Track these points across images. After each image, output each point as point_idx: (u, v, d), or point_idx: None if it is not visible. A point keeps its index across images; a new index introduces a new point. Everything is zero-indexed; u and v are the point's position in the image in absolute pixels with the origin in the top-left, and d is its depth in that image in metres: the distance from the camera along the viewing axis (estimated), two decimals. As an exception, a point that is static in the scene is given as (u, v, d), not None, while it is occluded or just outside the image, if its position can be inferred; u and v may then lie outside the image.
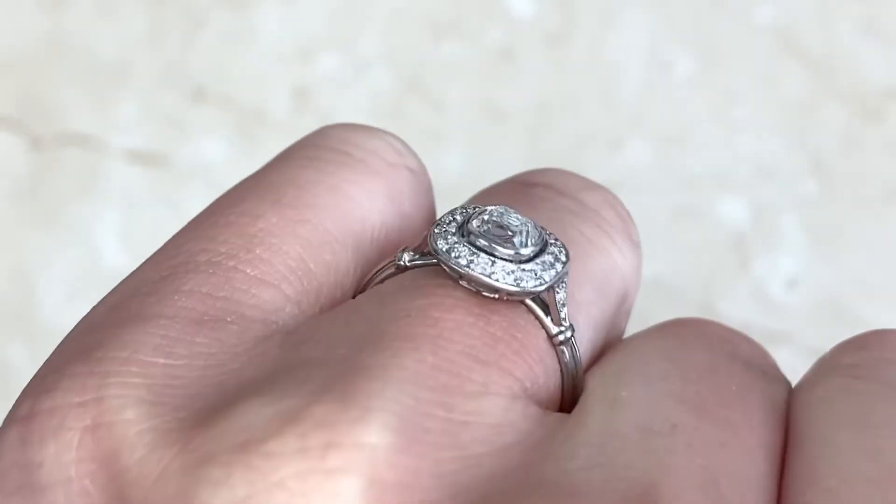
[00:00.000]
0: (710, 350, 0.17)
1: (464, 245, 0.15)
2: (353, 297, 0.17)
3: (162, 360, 0.15)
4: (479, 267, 0.15)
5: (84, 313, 0.32)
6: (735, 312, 0.33)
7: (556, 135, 0.36)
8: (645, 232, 0.34)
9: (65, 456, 0.14)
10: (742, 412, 0.16)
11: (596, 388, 0.16)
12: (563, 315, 0.15)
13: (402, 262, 0.16)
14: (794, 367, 0.32)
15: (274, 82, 0.36)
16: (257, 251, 0.16)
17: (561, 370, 0.16)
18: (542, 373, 0.16)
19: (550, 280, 0.15)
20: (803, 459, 0.15)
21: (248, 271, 0.16)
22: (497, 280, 0.15)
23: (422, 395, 0.14)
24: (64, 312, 0.33)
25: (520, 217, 0.15)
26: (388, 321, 0.15)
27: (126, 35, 0.37)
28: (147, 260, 0.17)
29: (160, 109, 0.36)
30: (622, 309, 0.18)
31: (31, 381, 0.15)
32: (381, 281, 0.16)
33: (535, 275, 0.15)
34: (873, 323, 0.33)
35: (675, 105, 0.36)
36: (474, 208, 0.16)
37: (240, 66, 0.36)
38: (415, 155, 0.18)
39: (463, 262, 0.15)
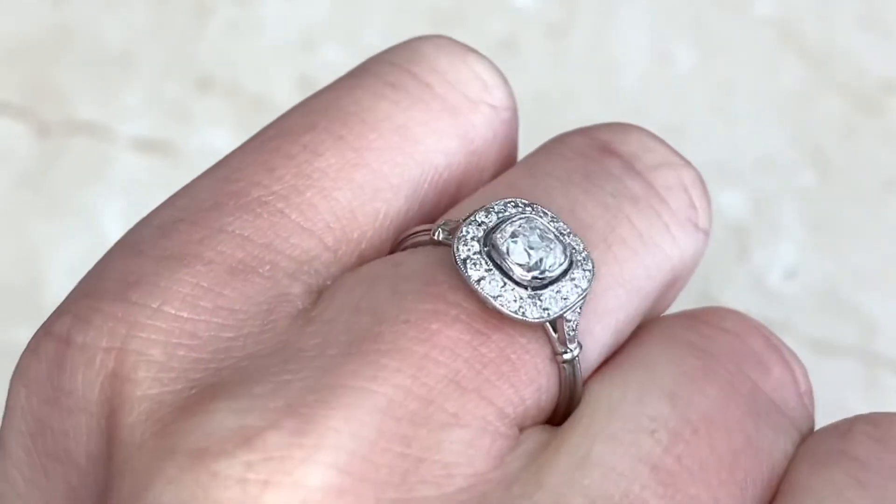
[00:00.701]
0: (731, 384, 0.16)
1: (482, 257, 0.15)
2: (390, 251, 0.17)
3: (185, 314, 0.15)
4: (490, 287, 0.15)
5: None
6: (734, 302, 0.33)
7: (556, 125, 0.36)
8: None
9: (89, 393, 0.15)
10: (714, 492, 0.15)
11: (578, 426, 0.15)
12: (570, 336, 0.15)
13: (435, 237, 0.16)
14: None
15: (278, 72, 0.36)
16: (308, 194, 0.16)
17: (560, 384, 0.16)
18: (533, 393, 0.15)
19: (559, 311, 0.15)
20: None
21: (294, 217, 0.16)
22: (502, 305, 0.15)
23: (385, 427, 0.14)
24: (69, 299, 0.33)
25: (549, 233, 0.15)
26: (387, 323, 0.15)
27: (132, 24, 0.37)
28: (210, 170, 0.17)
29: (166, 98, 0.36)
30: (667, 294, 0.17)
31: (77, 286, 0.17)
32: (415, 245, 0.16)
33: (544, 305, 0.15)
34: (871, 312, 0.33)
35: (675, 96, 0.36)
36: (515, 207, 0.15)
37: (245, 56, 0.36)
38: (502, 86, 0.18)
39: (475, 277, 0.15)
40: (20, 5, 0.37)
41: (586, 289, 0.15)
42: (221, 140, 0.35)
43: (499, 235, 0.15)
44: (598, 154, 0.17)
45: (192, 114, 0.36)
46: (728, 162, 0.35)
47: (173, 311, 0.15)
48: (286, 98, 0.36)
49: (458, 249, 0.15)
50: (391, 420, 0.14)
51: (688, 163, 0.18)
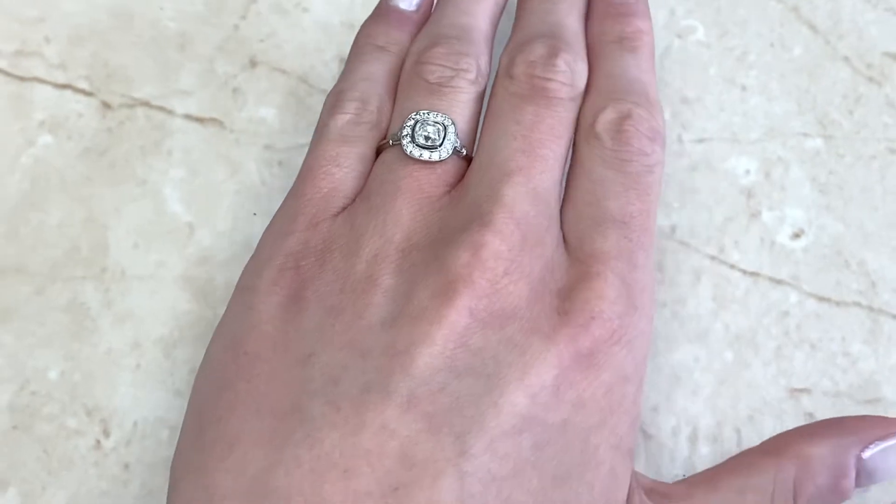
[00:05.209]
0: (535, 108, 0.30)
1: (416, 146, 0.29)
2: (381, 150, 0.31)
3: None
4: (425, 155, 0.29)
5: (149, 259, 0.34)
6: (746, 260, 0.34)
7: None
8: (663, 187, 0.35)
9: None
10: (545, 149, 0.29)
11: (477, 158, 0.30)
12: (461, 146, 0.30)
13: (390, 143, 0.30)
14: (804, 309, 0.32)
15: (321, 52, 0.37)
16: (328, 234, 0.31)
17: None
18: (454, 172, 0.30)
19: (449, 152, 0.29)
20: None
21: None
22: (429, 158, 0.29)
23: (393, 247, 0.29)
24: (130, 257, 0.34)
25: (436, 122, 0.30)
26: (400, 191, 0.29)
27: (186, 9, 0.38)
28: (280, 225, 0.30)
29: (218, 77, 0.37)
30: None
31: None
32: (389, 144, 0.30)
33: (441, 154, 0.29)
34: (874, 269, 0.34)
35: (691, 70, 0.36)
36: (425, 115, 0.30)
37: (290, 37, 0.37)
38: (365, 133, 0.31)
39: (416, 154, 0.29)
40: (80, -10, 0.38)
41: (454, 141, 0.30)
42: (268, 115, 0.36)
43: (417, 133, 0.29)
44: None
45: (241, 91, 0.36)
46: (740, 130, 0.35)
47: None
48: (328, 75, 0.37)
49: (407, 150, 0.29)
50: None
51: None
